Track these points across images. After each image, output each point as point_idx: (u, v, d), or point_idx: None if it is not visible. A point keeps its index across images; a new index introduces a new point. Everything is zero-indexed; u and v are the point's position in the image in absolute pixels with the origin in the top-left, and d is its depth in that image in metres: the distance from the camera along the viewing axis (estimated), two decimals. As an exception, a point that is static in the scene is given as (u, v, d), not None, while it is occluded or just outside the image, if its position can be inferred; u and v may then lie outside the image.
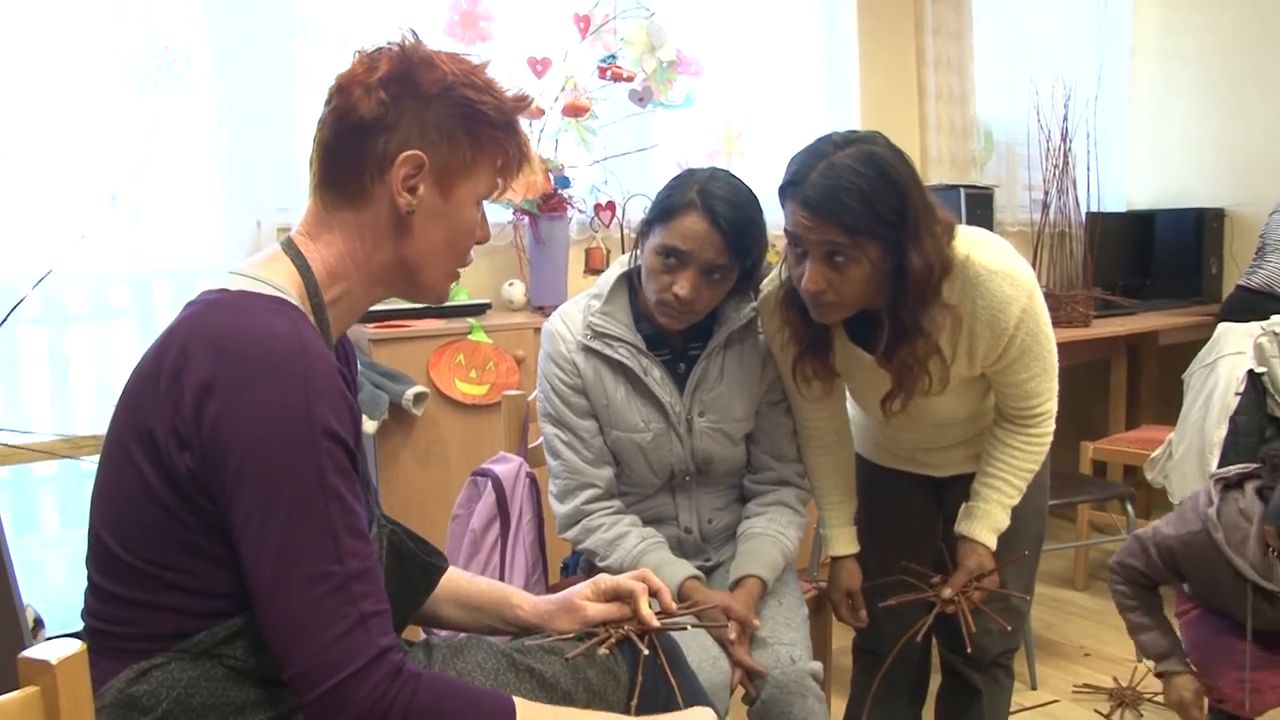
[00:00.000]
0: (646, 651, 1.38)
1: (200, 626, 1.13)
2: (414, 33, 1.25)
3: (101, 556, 1.16)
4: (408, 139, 1.21)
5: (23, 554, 2.75)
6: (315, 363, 1.09)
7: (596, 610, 1.45)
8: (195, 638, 1.13)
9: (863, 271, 1.62)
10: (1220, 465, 3.10)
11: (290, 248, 1.23)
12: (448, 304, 2.88)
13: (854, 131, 1.66)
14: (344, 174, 1.22)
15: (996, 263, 1.71)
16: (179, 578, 1.12)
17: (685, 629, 1.48)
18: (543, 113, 3.04)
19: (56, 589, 2.68)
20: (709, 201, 1.73)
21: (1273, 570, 1.91)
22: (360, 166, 1.21)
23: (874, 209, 1.57)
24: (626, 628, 1.42)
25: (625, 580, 1.47)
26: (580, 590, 1.47)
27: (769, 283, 1.88)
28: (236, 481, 1.06)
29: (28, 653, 0.95)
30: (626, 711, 1.34)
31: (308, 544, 1.06)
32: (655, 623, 1.42)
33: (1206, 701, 2.08)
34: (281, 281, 1.18)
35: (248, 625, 1.13)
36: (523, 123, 1.34)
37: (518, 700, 1.19)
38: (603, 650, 1.38)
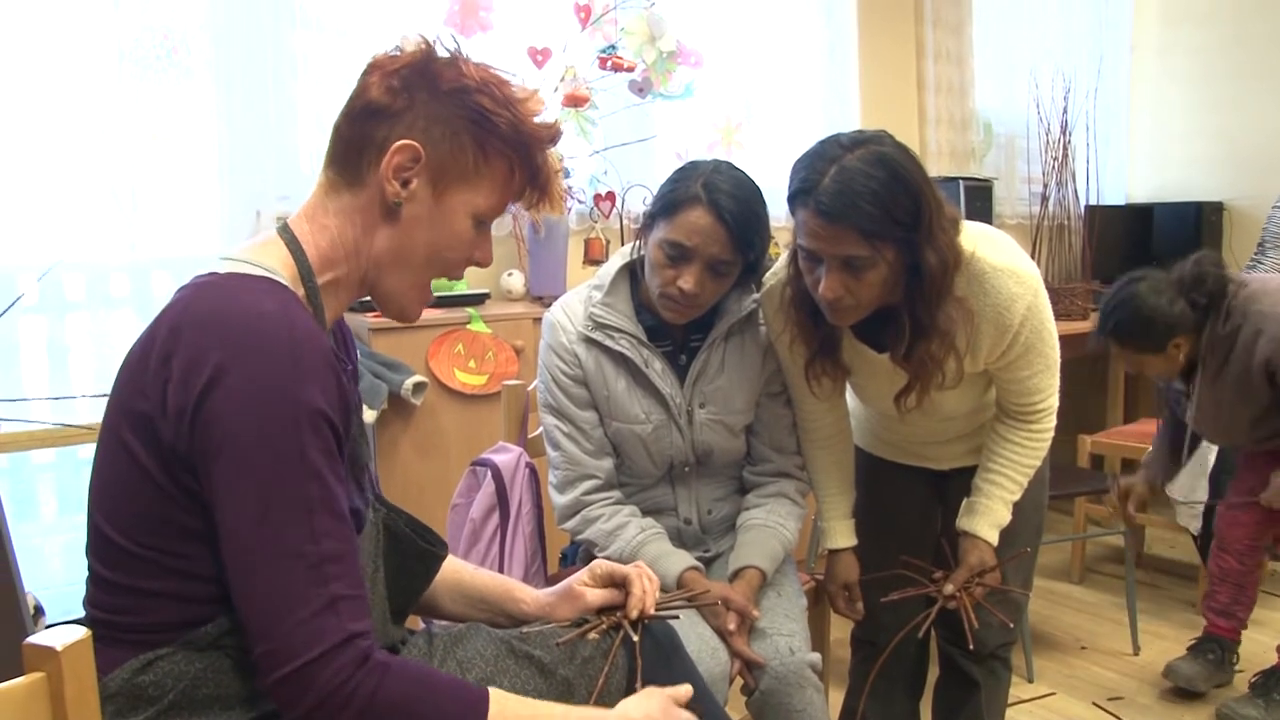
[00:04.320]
0: (636, 638, 1.39)
1: (203, 616, 1.12)
2: (454, 36, 1.25)
3: (101, 545, 1.15)
4: (410, 129, 1.18)
5: (22, 541, 2.75)
6: (304, 341, 1.08)
7: (596, 596, 1.46)
8: (202, 629, 1.12)
9: (880, 274, 1.61)
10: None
11: (285, 232, 1.21)
12: (448, 294, 2.88)
13: (861, 132, 1.63)
14: (347, 155, 1.21)
15: (1002, 260, 1.70)
16: (177, 563, 1.11)
17: (678, 616, 1.49)
18: (543, 104, 3.02)
19: (55, 576, 2.68)
20: (714, 196, 1.72)
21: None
22: (361, 149, 1.20)
23: (889, 212, 1.54)
24: (619, 614, 1.43)
25: (621, 566, 1.48)
26: (579, 576, 1.48)
27: (772, 275, 1.87)
28: (217, 454, 1.05)
29: (33, 639, 0.95)
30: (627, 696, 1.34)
31: (283, 520, 1.05)
32: (650, 608, 1.43)
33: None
34: (273, 264, 1.16)
35: None
36: (552, 156, 1.30)
37: (493, 691, 1.16)
38: (592, 635, 1.38)
